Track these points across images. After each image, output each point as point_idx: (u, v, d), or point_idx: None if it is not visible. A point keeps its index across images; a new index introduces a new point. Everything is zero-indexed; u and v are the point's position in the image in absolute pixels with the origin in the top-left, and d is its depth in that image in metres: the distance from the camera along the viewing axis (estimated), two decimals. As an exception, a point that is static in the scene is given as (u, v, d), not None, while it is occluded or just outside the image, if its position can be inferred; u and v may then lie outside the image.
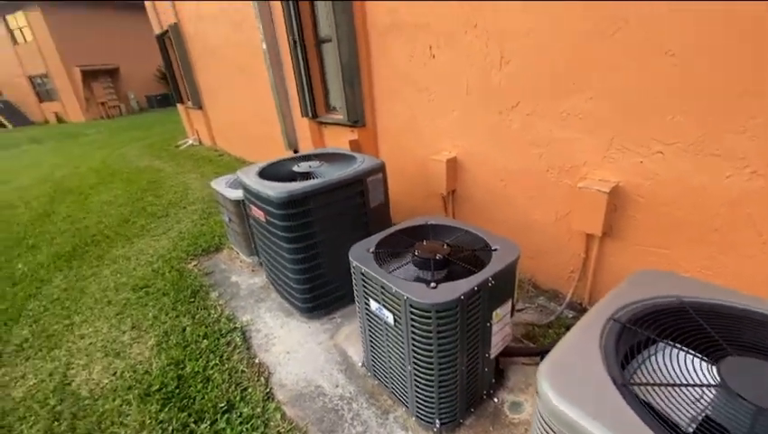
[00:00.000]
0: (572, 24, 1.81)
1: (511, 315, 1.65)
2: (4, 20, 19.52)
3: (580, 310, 2.22)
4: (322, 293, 2.36)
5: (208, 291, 2.86)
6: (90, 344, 2.48)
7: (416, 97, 2.83)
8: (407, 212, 3.14)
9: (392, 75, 3.00)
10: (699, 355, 0.95)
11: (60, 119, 20.84)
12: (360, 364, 2.02)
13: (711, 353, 0.95)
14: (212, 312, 2.60)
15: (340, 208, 2.26)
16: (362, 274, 1.61)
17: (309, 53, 3.76)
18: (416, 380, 1.54)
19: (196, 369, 2.10)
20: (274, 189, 2.09)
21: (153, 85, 22.50)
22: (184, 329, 2.45)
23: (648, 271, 1.25)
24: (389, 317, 1.52)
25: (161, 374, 2.10)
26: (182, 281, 3.00)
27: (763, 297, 1.07)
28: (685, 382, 0.90)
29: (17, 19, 19.26)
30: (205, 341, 2.31)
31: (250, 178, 2.33)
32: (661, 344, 1.02)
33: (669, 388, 0.90)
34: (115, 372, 2.20)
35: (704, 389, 0.89)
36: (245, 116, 6.06)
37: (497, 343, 1.63)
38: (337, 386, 1.92)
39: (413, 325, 1.42)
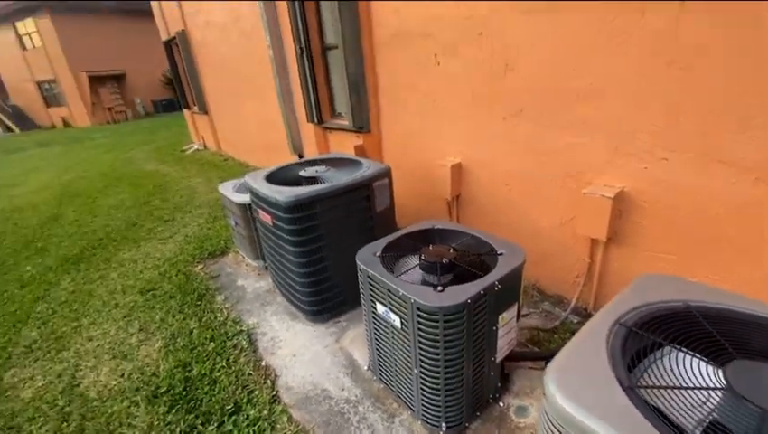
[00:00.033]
0: (576, 33, 1.84)
1: (517, 319, 1.67)
2: (14, 26, 19.83)
3: (585, 315, 2.23)
4: (327, 297, 2.38)
5: (214, 294, 2.88)
6: (98, 345, 2.51)
7: (421, 103, 2.86)
8: (412, 217, 3.16)
9: (397, 82, 3.03)
10: (706, 359, 0.96)
11: (66, 124, 21.07)
12: (365, 368, 2.03)
13: (717, 356, 0.96)
14: (219, 315, 2.62)
15: (346, 212, 2.29)
16: (369, 277, 1.63)
17: (315, 60, 3.81)
18: (422, 383, 1.55)
19: (203, 371, 2.12)
20: (281, 193, 2.12)
21: (158, 90, 22.73)
22: (191, 332, 2.47)
23: (654, 275, 1.26)
24: (396, 321, 1.53)
25: (168, 376, 2.12)
26: (189, 284, 3.03)
27: (768, 302, 1.08)
28: (691, 385, 0.92)
29: (26, 25, 19.56)
30: (212, 344, 2.33)
31: (258, 182, 2.36)
32: (668, 348, 1.03)
33: (676, 391, 0.92)
34: (123, 374, 2.22)
35: (710, 392, 0.90)
36: (250, 121, 6.13)
37: (503, 347, 1.64)
38: (343, 389, 1.93)
39: (420, 329, 1.43)
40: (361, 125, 3.39)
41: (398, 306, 1.50)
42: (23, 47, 20.38)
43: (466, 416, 1.62)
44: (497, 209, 2.59)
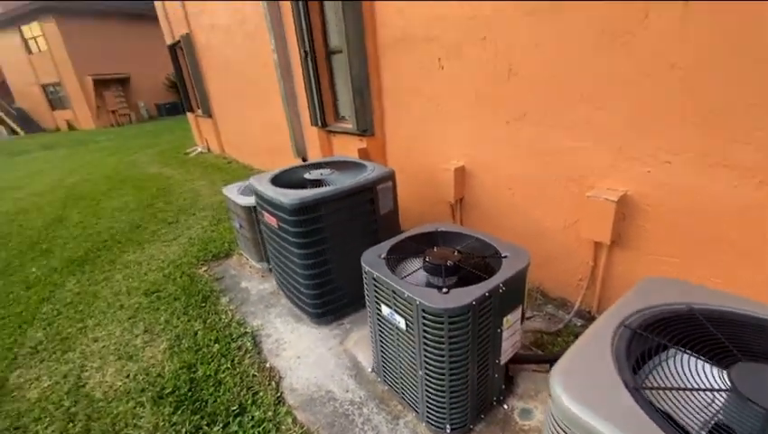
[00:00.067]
0: (579, 37, 1.86)
1: (521, 321, 1.67)
2: (20, 30, 20.03)
3: (588, 318, 2.23)
4: (331, 299, 2.39)
5: (218, 296, 2.90)
6: (104, 346, 2.52)
7: (425, 107, 2.88)
8: (415, 220, 3.17)
9: (401, 85, 3.06)
10: (710, 361, 0.97)
11: (71, 127, 21.22)
12: (369, 370, 2.04)
13: (722, 359, 0.97)
14: (223, 317, 2.63)
15: (350, 215, 2.30)
16: (374, 279, 1.64)
17: (319, 64, 3.84)
18: (427, 385, 1.56)
19: (208, 372, 2.13)
20: (286, 196, 2.14)
21: (162, 94, 22.88)
22: (196, 333, 2.49)
23: (657, 278, 1.27)
24: (401, 322, 1.55)
25: (173, 377, 2.13)
26: (193, 286, 3.05)
27: (772, 305, 1.09)
28: (696, 387, 0.92)
29: (32, 29, 19.76)
30: (216, 345, 2.34)
31: (263, 185, 2.38)
32: (672, 351, 1.04)
33: (681, 393, 0.92)
34: (128, 375, 2.23)
35: (715, 393, 0.90)
36: (254, 124, 6.16)
37: (507, 349, 1.65)
38: (347, 391, 1.93)
39: (425, 330, 1.44)
40: (365, 128, 3.41)
41: (403, 307, 1.52)
42: (29, 51, 20.58)
43: (471, 418, 1.62)
44: (500, 212, 2.60)
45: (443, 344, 1.42)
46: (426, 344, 1.47)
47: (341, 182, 2.33)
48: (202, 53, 7.12)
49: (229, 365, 2.17)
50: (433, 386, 1.54)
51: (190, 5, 6.78)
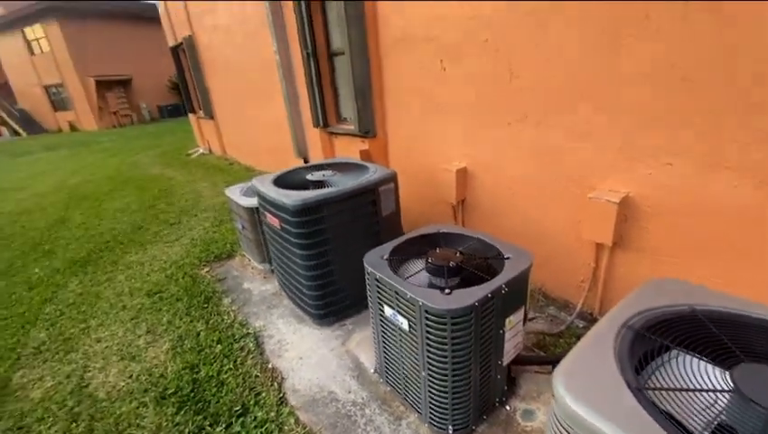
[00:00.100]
0: (579, 37, 1.86)
1: (524, 323, 1.68)
2: (22, 32, 20.12)
3: (590, 320, 2.23)
4: (333, 300, 2.39)
5: (221, 297, 2.91)
6: (106, 347, 2.53)
7: (427, 108, 2.89)
8: (416, 221, 3.18)
9: (403, 87, 3.07)
10: (713, 362, 0.98)
11: (73, 128, 21.29)
12: (371, 371, 2.05)
13: (724, 360, 0.97)
14: (225, 317, 2.64)
15: (352, 216, 2.31)
16: (377, 280, 1.65)
17: (321, 66, 3.86)
18: (429, 386, 1.57)
19: (210, 373, 2.14)
20: (289, 197, 2.15)
21: (164, 95, 22.96)
22: (198, 334, 2.49)
23: (660, 280, 1.27)
24: (404, 323, 1.55)
25: (176, 378, 2.14)
26: (196, 287, 3.05)
27: (774, 306, 1.09)
28: (699, 388, 0.93)
29: (34, 31, 19.85)
30: (219, 346, 2.35)
31: (266, 186, 2.39)
32: (675, 352, 1.04)
33: (683, 393, 0.93)
34: (131, 376, 2.24)
35: (717, 394, 0.91)
36: (255, 126, 6.18)
37: (509, 350, 1.65)
38: (350, 392, 1.94)
39: (428, 331, 1.45)
40: (367, 129, 3.42)
41: (406, 308, 1.52)
42: (32, 52, 20.67)
43: (473, 419, 1.63)
44: (501, 213, 2.61)
45: (446, 344, 1.43)
46: (428, 344, 1.47)
47: (344, 183, 2.34)
48: (205, 55, 7.15)
49: (231, 366, 2.18)
50: (435, 387, 1.55)
51: (192, 7, 6.81)
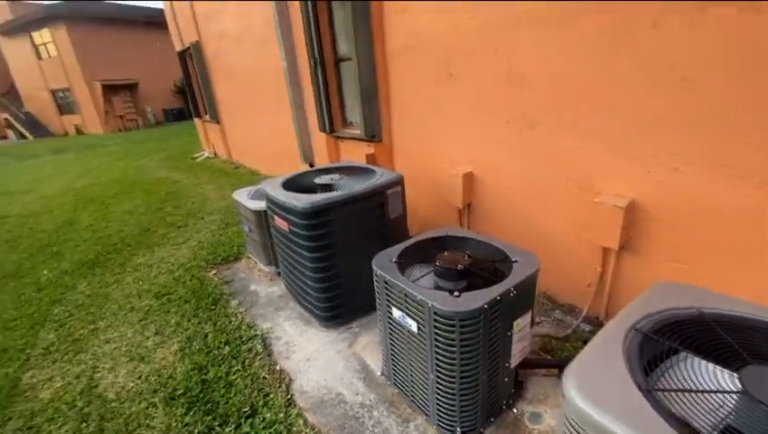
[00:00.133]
0: (580, 39, 1.89)
1: (531, 326, 1.69)
2: (30, 36, 20.38)
3: (597, 324, 2.24)
4: (340, 302, 2.41)
5: (228, 299, 2.93)
6: (115, 348, 2.56)
7: (433, 113, 2.93)
8: (422, 224, 3.20)
9: (409, 93, 3.10)
10: (720, 364, 0.99)
11: (79, 131, 21.49)
12: (378, 373, 2.06)
13: (732, 362, 0.99)
14: (233, 319, 2.66)
15: (360, 219, 2.33)
16: (386, 282, 1.67)
17: (328, 71, 3.90)
18: (437, 388, 1.58)
19: (219, 374, 2.16)
20: (299, 200, 2.18)
21: (169, 99, 23.17)
22: (206, 335, 2.52)
23: (667, 283, 1.29)
24: (413, 325, 1.57)
25: (185, 379, 2.16)
26: (203, 289, 3.08)
27: (781, 309, 1.10)
28: (707, 389, 0.94)
29: (42, 35, 20.10)
30: (227, 347, 2.37)
31: (275, 189, 2.42)
32: (683, 354, 1.06)
33: (692, 395, 0.94)
34: (140, 376, 2.26)
35: (725, 396, 0.92)
36: (261, 130, 6.24)
37: (516, 353, 1.66)
38: (357, 394, 1.95)
39: (436, 333, 1.47)
40: (373, 134, 3.45)
41: (414, 310, 1.54)
42: (39, 57, 20.91)
43: (481, 421, 1.64)
44: (508, 217, 2.63)
45: (454, 347, 1.44)
46: (437, 347, 1.49)
47: (351, 187, 2.37)
48: (212, 60, 7.23)
49: (239, 367, 2.20)
50: (443, 389, 1.56)
51: (200, 14, 6.89)
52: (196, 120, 9.55)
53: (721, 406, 0.93)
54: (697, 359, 1.02)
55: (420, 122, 3.10)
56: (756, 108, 1.45)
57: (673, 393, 0.95)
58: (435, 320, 1.44)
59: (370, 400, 1.90)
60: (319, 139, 4.51)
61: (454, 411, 1.58)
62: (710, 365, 1.00)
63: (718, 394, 0.93)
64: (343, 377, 2.07)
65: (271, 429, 1.79)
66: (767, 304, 1.12)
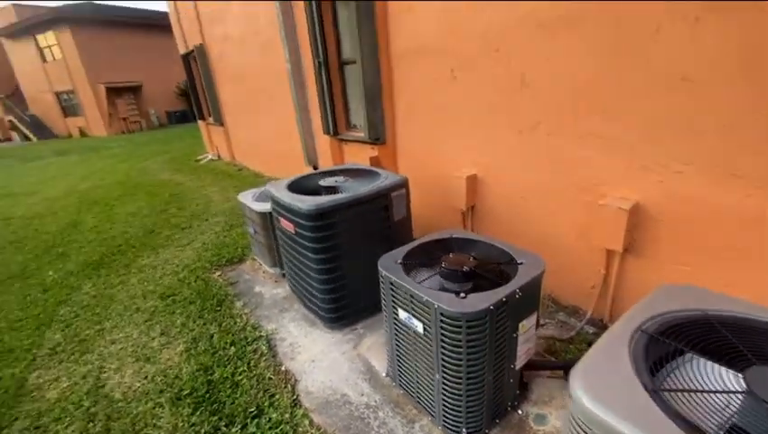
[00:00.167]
0: (590, 47, 1.91)
1: (536, 328, 1.70)
2: (35, 39, 20.53)
3: (601, 326, 2.25)
4: (345, 304, 2.43)
5: (233, 300, 2.95)
6: (121, 348, 2.57)
7: (437, 116, 2.95)
8: (425, 227, 3.21)
9: (413, 95, 3.13)
10: (725, 365, 1.00)
11: (83, 133, 21.61)
12: (383, 374, 2.07)
13: (736, 363, 1.00)
14: (238, 320, 2.68)
15: (365, 221, 2.35)
16: (392, 284, 1.68)
17: (332, 74, 3.93)
18: (443, 389, 1.59)
19: (225, 375, 2.17)
20: (304, 202, 2.19)
21: (172, 101, 23.28)
22: (212, 336, 2.53)
23: (671, 285, 1.30)
24: (419, 326, 1.58)
25: (191, 379, 2.17)
26: (208, 290, 3.10)
27: (786, 311, 1.11)
28: (712, 389, 0.95)
29: (47, 38, 20.24)
30: (232, 348, 2.39)
31: (280, 191, 2.44)
32: (688, 355, 1.07)
33: (698, 395, 0.95)
34: (146, 377, 2.27)
35: (731, 395, 0.93)
36: (265, 132, 6.27)
37: (522, 354, 1.67)
38: (362, 395, 1.96)
39: (443, 335, 1.48)
40: (377, 136, 3.47)
41: (420, 311, 1.55)
42: (44, 59, 21.05)
43: (486, 422, 1.65)
44: (511, 219, 2.64)
45: (460, 348, 1.46)
46: (443, 348, 1.50)
47: (356, 189, 2.39)
48: (215, 63, 7.28)
49: (245, 368, 2.21)
50: (449, 390, 1.57)
51: (204, 16, 6.95)
52: (200, 122, 9.60)
53: (726, 406, 0.94)
54: (702, 360, 1.04)
55: (424, 124, 3.12)
56: (766, 118, 1.46)
57: (679, 394, 0.96)
58: (441, 321, 1.46)
59: (376, 401, 1.92)
60: (323, 141, 4.54)
61: (459, 412, 1.59)
62: (715, 366, 1.01)
63: (724, 394, 0.94)
64: (348, 378, 2.09)
65: (277, 430, 1.80)
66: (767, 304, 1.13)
